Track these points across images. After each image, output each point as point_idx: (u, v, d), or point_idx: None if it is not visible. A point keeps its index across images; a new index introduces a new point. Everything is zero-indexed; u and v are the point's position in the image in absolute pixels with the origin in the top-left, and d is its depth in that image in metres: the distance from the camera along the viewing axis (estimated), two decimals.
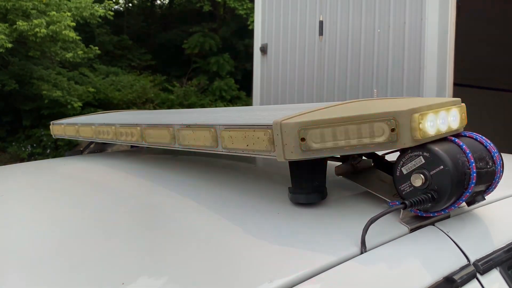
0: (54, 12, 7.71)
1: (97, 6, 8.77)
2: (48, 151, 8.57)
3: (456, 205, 0.73)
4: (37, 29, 7.35)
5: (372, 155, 0.92)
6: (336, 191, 0.90)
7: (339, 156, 0.92)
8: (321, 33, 4.56)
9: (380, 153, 0.89)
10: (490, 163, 0.75)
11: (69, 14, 7.93)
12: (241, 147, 0.82)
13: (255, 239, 0.71)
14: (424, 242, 0.73)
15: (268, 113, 0.95)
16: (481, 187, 0.76)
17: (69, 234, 0.76)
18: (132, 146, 1.61)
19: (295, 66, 4.99)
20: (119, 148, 1.69)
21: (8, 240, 0.75)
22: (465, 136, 0.79)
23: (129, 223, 0.81)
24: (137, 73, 12.11)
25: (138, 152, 1.52)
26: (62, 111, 8.22)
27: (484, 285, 0.70)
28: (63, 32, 7.68)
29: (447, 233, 0.75)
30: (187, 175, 1.12)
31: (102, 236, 0.75)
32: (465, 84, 5.00)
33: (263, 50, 5.35)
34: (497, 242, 0.78)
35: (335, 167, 0.89)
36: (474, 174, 0.71)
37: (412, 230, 0.74)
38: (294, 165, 0.82)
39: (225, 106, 10.88)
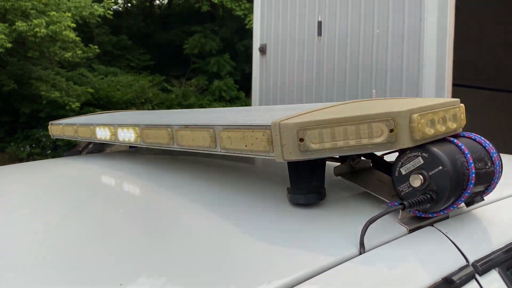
0: (54, 12, 7.70)
1: (97, 5, 8.77)
2: (48, 151, 8.56)
3: (455, 206, 0.73)
4: (36, 29, 7.35)
5: (371, 156, 0.92)
6: (335, 192, 0.89)
7: (338, 156, 0.92)
8: (319, 33, 4.56)
9: (379, 153, 0.89)
10: (489, 164, 0.75)
11: (69, 14, 7.93)
12: (240, 147, 0.81)
13: (253, 240, 0.71)
14: (423, 242, 0.73)
15: (266, 113, 0.95)
16: (480, 188, 0.76)
17: (67, 234, 0.76)
18: (130, 147, 1.60)
19: (294, 67, 4.99)
20: (117, 149, 1.69)
21: (6, 240, 0.74)
22: (464, 136, 0.79)
23: (128, 224, 0.81)
24: (136, 73, 12.11)
25: (137, 153, 1.52)
26: (60, 112, 8.21)
27: (483, 285, 0.69)
28: (63, 32, 7.68)
29: (446, 233, 0.75)
30: (186, 175, 1.12)
31: (101, 237, 0.74)
32: (464, 85, 5.01)
33: (262, 50, 5.35)
34: (496, 242, 0.78)
35: (334, 167, 0.89)
36: (473, 175, 0.70)
37: (411, 231, 0.73)
38: (293, 166, 0.81)
39: (224, 106, 10.88)
